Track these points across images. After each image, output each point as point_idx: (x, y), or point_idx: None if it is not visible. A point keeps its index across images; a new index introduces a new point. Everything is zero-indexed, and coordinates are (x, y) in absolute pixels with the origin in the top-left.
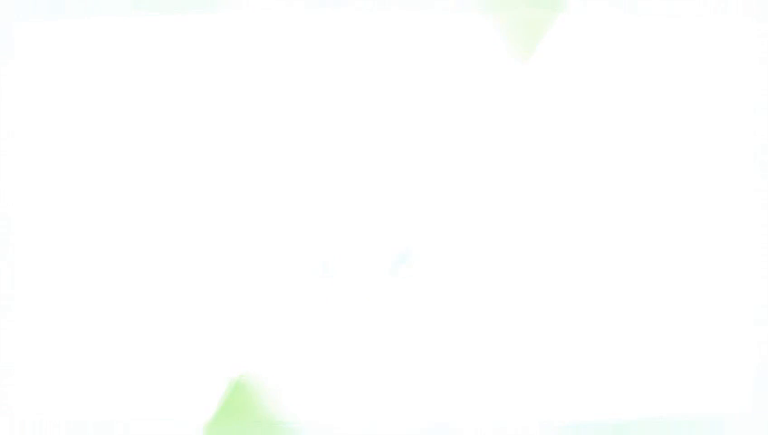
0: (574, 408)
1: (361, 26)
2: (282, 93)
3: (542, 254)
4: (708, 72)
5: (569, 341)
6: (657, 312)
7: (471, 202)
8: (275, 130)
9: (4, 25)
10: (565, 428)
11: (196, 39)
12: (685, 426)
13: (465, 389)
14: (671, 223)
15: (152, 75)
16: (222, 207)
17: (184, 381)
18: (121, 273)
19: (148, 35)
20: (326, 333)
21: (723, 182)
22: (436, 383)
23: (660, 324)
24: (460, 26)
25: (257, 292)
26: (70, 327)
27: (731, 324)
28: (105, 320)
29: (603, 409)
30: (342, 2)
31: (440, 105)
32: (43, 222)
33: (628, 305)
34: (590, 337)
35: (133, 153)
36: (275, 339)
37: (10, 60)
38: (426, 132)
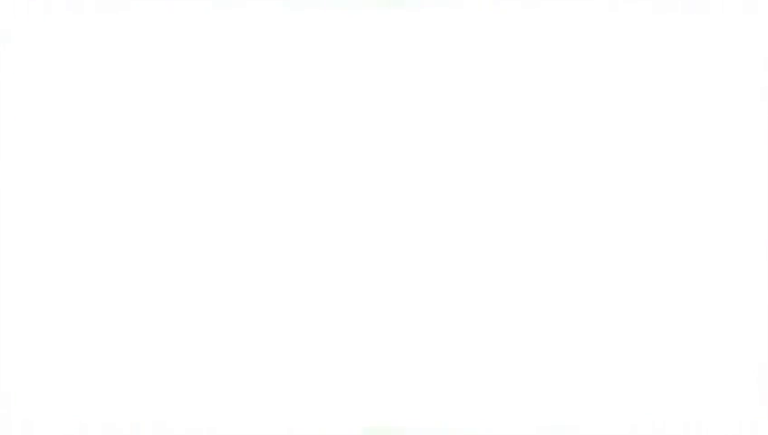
0: (575, 409)
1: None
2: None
3: (543, 255)
4: (707, 71)
5: (568, 343)
6: (658, 316)
7: (470, 202)
8: (283, 133)
9: (4, 25)
10: (565, 428)
11: (196, 39)
12: (685, 429)
13: (463, 388)
14: (672, 225)
15: (152, 74)
16: (223, 207)
17: (188, 383)
18: (121, 272)
19: (149, 35)
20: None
21: (723, 185)
22: (435, 383)
23: (662, 329)
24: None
25: (257, 292)
26: (70, 328)
27: (732, 329)
28: (105, 321)
29: (604, 410)
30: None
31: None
32: (43, 221)
33: (630, 309)
34: (591, 341)
35: (133, 151)
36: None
37: (10, 60)
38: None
